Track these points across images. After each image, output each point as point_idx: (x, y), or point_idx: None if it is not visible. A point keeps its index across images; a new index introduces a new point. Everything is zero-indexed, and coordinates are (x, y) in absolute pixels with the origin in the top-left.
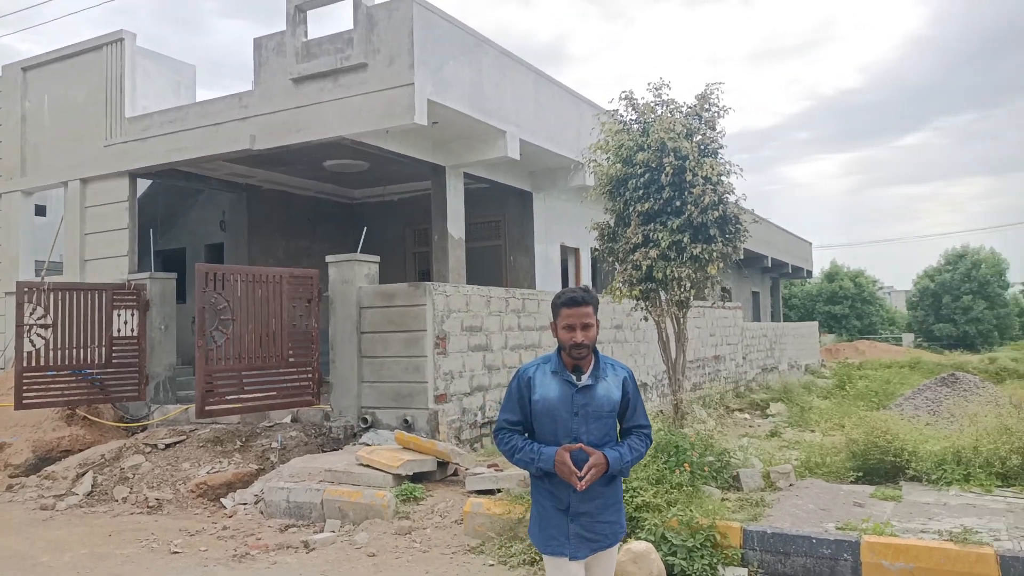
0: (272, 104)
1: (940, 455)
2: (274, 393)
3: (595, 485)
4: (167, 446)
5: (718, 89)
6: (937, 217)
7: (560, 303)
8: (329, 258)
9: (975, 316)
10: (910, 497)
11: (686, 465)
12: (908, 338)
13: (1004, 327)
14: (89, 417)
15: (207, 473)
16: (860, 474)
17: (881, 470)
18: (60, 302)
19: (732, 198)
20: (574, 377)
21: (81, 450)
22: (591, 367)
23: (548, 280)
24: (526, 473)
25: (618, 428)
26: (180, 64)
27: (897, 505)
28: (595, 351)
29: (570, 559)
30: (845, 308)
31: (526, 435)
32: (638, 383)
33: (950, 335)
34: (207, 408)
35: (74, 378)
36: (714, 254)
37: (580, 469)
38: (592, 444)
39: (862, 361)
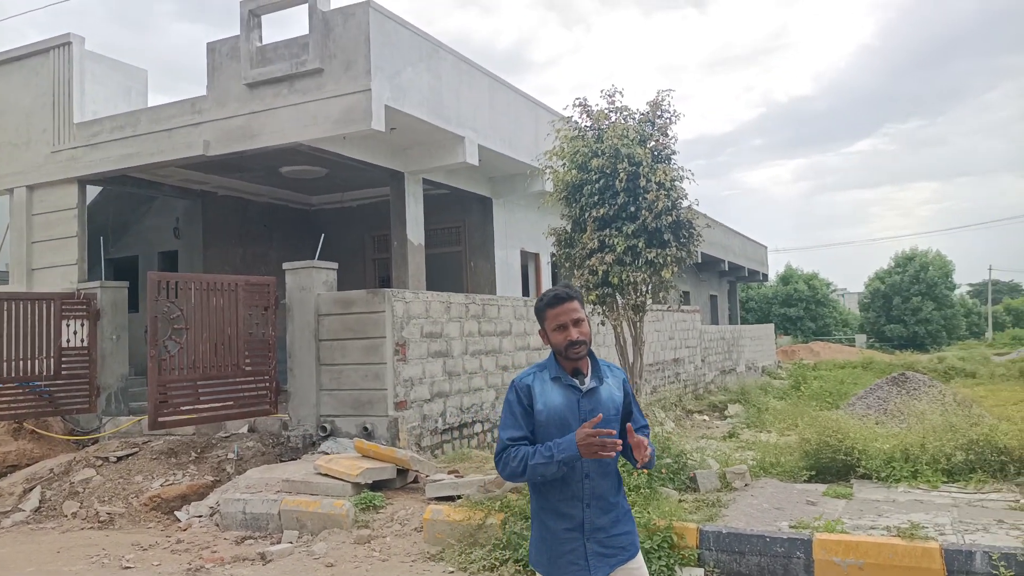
0: (226, 109)
1: (889, 453)
2: (230, 403)
3: (608, 498)
4: (119, 459)
5: (669, 96)
6: (887, 221)
7: (543, 305)
8: (286, 265)
9: (924, 317)
10: (861, 494)
11: None
12: (861, 339)
13: (951, 327)
14: (37, 431)
15: (161, 486)
16: (813, 473)
17: (833, 469)
18: (5, 312)
19: (685, 203)
20: (577, 381)
21: (29, 465)
22: (590, 369)
23: (509, 285)
24: (487, 479)
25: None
26: (131, 68)
27: (848, 503)
28: (590, 352)
29: None
30: (800, 310)
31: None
32: None
33: (901, 336)
34: (160, 419)
35: (21, 391)
36: (668, 258)
37: (595, 474)
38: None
39: (817, 362)
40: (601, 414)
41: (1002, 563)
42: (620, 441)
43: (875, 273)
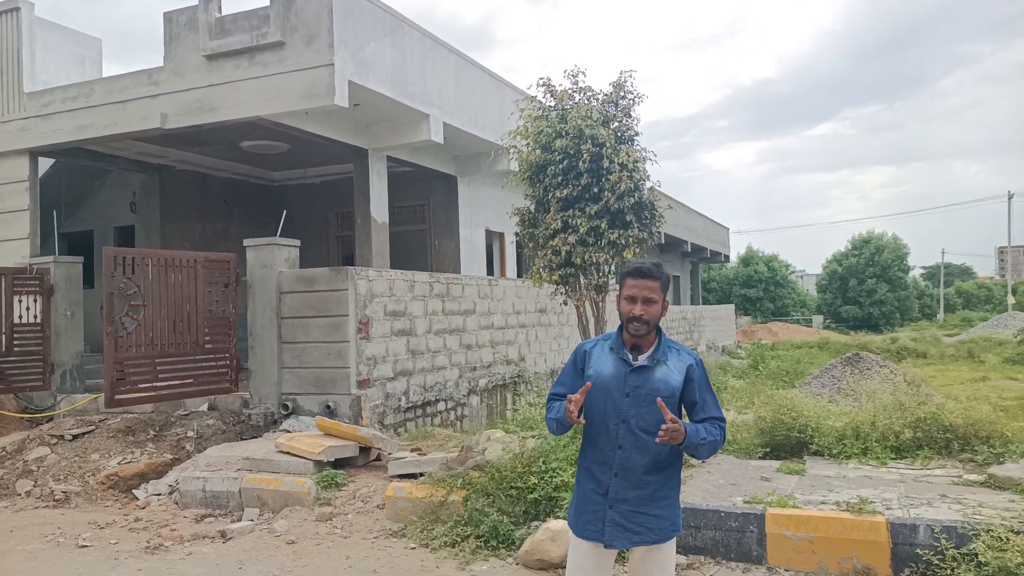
0: (184, 82)
1: (841, 431)
2: (190, 380)
3: (638, 473)
4: (75, 437)
5: (631, 77)
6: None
7: (626, 272)
8: (247, 242)
9: (878, 299)
10: (813, 471)
11: None
12: (818, 320)
13: (905, 309)
14: None
15: (118, 464)
16: (768, 450)
17: (787, 446)
18: None
19: (648, 184)
20: (631, 356)
21: None
22: (652, 348)
23: (473, 265)
24: (449, 457)
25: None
26: (84, 37)
27: (801, 479)
28: (660, 333)
29: (606, 546)
30: (760, 291)
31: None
32: (564, 366)
33: (856, 316)
34: (117, 397)
35: None
36: (631, 239)
37: (628, 446)
38: (642, 430)
39: (775, 342)
40: (590, 383)
41: (943, 535)
42: (675, 428)
43: (833, 255)
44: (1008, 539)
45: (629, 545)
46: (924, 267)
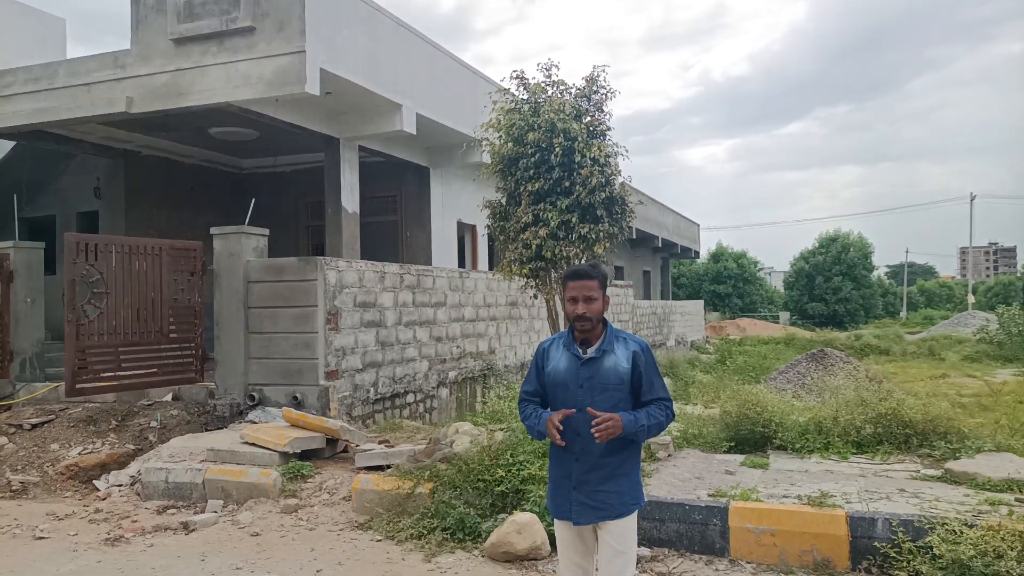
0: (151, 65)
1: (804, 426)
2: (154, 370)
3: (595, 456)
4: (34, 426)
5: (604, 71)
6: (814, 203)
7: (565, 276)
8: (214, 230)
9: (843, 296)
10: (776, 465)
11: None
12: (784, 316)
13: (869, 306)
14: None
15: (79, 454)
16: (733, 444)
17: (752, 440)
18: None
19: (619, 179)
20: (581, 350)
21: None
22: (599, 340)
23: (445, 256)
24: (417, 449)
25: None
26: (47, 16)
27: (764, 472)
28: (607, 325)
29: (574, 523)
30: (729, 287)
31: (540, 405)
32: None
33: (821, 313)
34: (79, 386)
35: None
36: (601, 234)
37: (586, 434)
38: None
39: (743, 338)
40: (574, 409)
41: (901, 529)
42: (608, 424)
43: (800, 253)
44: (962, 532)
45: (595, 520)
46: (889, 266)
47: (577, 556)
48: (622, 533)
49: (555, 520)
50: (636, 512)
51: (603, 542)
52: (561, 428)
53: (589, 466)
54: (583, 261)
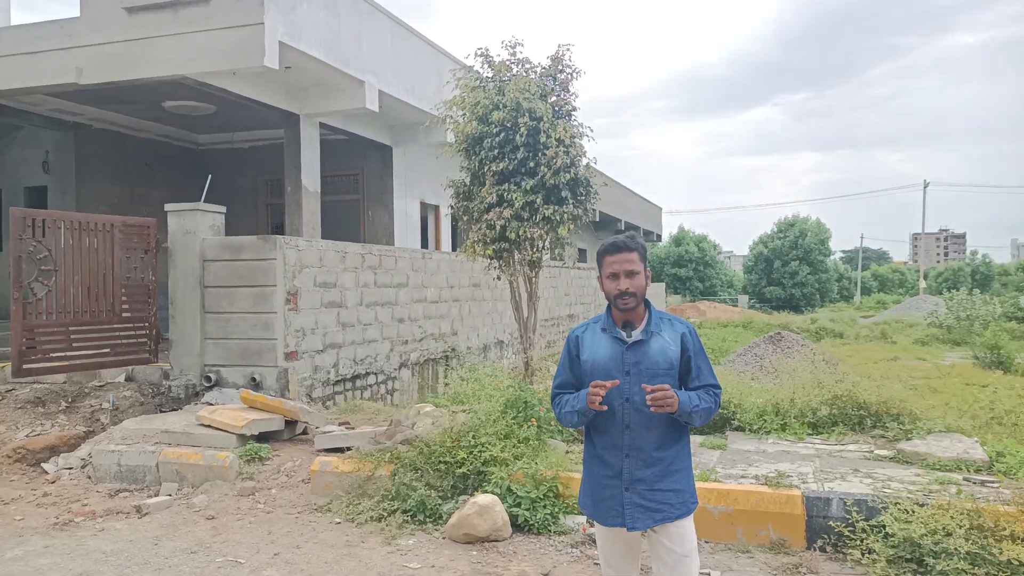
0: (102, 35)
1: (762, 407)
2: (106, 350)
3: (650, 451)
4: None
5: (569, 50)
6: (775, 188)
7: (602, 251)
8: (169, 207)
9: (800, 280)
10: (734, 446)
11: (533, 420)
12: (743, 300)
13: (825, 291)
14: None
15: (26, 436)
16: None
17: (710, 421)
18: None
19: (584, 161)
20: (624, 333)
21: None
22: (644, 322)
23: (407, 236)
24: (377, 431)
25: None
26: None
27: (723, 453)
28: (648, 305)
29: (628, 529)
30: (690, 271)
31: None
32: (497, 341)
33: (779, 297)
34: (26, 366)
35: None
36: (565, 216)
37: (636, 425)
38: (647, 407)
39: (703, 320)
40: (618, 379)
41: (855, 508)
42: (665, 392)
43: (760, 237)
44: (913, 511)
45: (652, 524)
46: (844, 251)
47: (624, 564)
48: (683, 536)
49: (600, 528)
50: (693, 513)
51: (662, 547)
52: (602, 394)
53: (642, 462)
54: (547, 243)
